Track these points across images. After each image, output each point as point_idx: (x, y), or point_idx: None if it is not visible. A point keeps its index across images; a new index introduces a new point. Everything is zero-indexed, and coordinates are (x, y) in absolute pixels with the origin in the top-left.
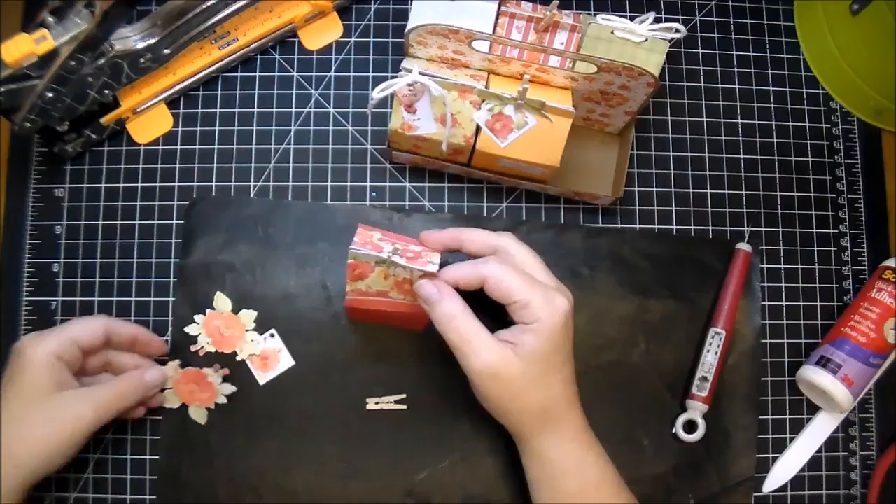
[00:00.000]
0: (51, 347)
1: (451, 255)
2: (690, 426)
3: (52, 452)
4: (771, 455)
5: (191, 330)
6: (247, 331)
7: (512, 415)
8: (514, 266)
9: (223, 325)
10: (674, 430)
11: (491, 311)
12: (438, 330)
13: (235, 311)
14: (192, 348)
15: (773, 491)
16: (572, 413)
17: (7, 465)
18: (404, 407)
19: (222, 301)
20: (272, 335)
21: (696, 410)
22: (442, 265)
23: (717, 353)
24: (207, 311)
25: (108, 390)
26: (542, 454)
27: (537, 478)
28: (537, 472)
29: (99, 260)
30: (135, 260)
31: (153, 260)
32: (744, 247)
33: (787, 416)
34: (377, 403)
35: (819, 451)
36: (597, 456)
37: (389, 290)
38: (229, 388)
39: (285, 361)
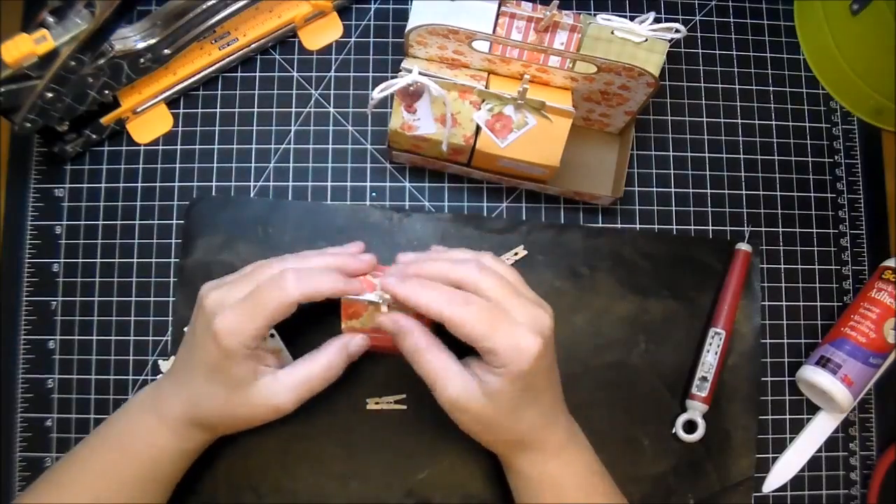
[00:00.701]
0: (246, 343)
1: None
2: (690, 426)
3: (249, 426)
4: (771, 455)
5: None
6: None
7: (485, 441)
8: (480, 303)
9: (236, 303)
10: (674, 430)
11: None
12: (409, 362)
13: None
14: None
15: (773, 491)
16: (549, 433)
17: (204, 424)
18: (404, 407)
19: None
20: (272, 335)
21: (695, 410)
22: None
23: (716, 353)
24: None
25: (306, 374)
26: (519, 472)
27: (516, 488)
28: (516, 484)
29: (99, 260)
30: (135, 260)
31: (153, 260)
32: (744, 247)
33: (787, 416)
34: (377, 403)
35: (819, 451)
36: (576, 472)
37: None
38: None
39: (286, 362)
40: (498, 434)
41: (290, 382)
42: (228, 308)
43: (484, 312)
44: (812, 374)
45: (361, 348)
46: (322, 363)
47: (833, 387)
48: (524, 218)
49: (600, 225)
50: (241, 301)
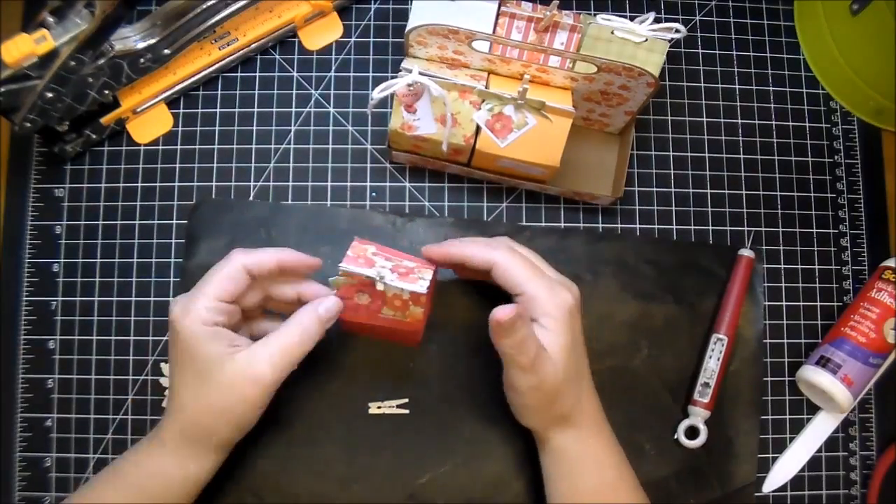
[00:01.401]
0: (201, 317)
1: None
2: (692, 432)
3: (239, 418)
4: (771, 455)
5: None
6: None
7: (544, 417)
8: (522, 256)
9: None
10: (675, 436)
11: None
12: (504, 351)
13: None
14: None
15: (773, 491)
16: (592, 407)
17: (196, 432)
18: (406, 411)
19: None
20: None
21: (697, 416)
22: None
23: (719, 358)
24: None
25: (280, 342)
26: (562, 451)
27: (555, 475)
28: (555, 469)
29: (99, 260)
30: (135, 260)
31: (153, 260)
32: (746, 253)
33: (787, 416)
34: (379, 407)
35: (819, 451)
36: (615, 454)
37: (381, 305)
38: None
39: None
40: (562, 402)
41: (266, 352)
42: (181, 296)
43: (527, 263)
44: (812, 374)
45: (333, 311)
46: (296, 328)
47: (833, 387)
48: (524, 218)
49: (601, 226)
50: (193, 288)
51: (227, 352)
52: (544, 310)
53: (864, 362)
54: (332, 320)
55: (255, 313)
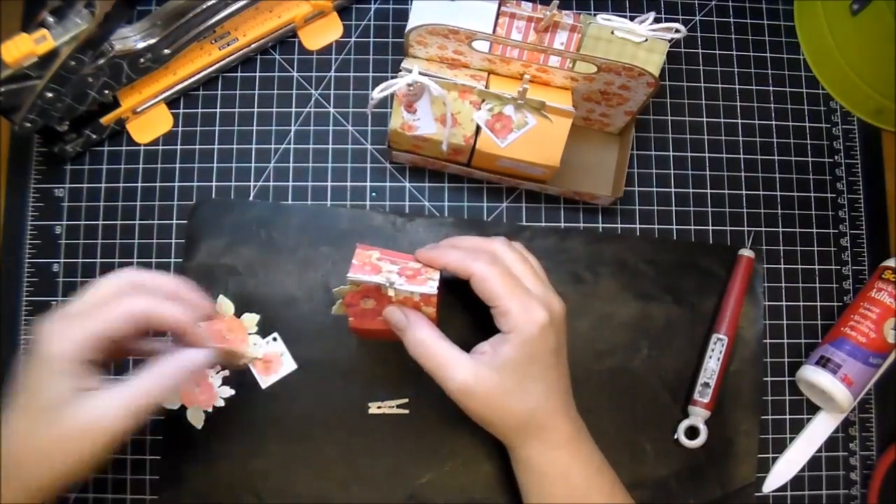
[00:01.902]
0: (69, 350)
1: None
2: (692, 432)
3: (66, 470)
4: (771, 455)
5: None
6: (249, 334)
7: (495, 426)
8: (503, 268)
9: (225, 329)
10: (675, 436)
11: (480, 314)
12: (411, 355)
13: (238, 314)
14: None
15: (773, 491)
16: (557, 421)
17: (12, 469)
18: (406, 411)
19: (225, 304)
20: (275, 339)
21: (698, 416)
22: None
23: (719, 359)
24: None
25: (132, 388)
26: (527, 462)
27: (524, 483)
28: (524, 478)
29: (99, 260)
30: (135, 260)
31: (153, 260)
32: (746, 252)
33: (787, 416)
34: (379, 408)
35: (819, 451)
36: (585, 463)
37: None
38: (228, 392)
39: (288, 365)
40: (505, 412)
41: (115, 401)
42: (59, 315)
43: (506, 276)
44: (812, 374)
45: (196, 362)
46: (153, 377)
47: (833, 387)
48: (524, 218)
49: (601, 225)
50: (78, 310)
51: (75, 395)
52: (512, 325)
53: (864, 362)
54: (196, 373)
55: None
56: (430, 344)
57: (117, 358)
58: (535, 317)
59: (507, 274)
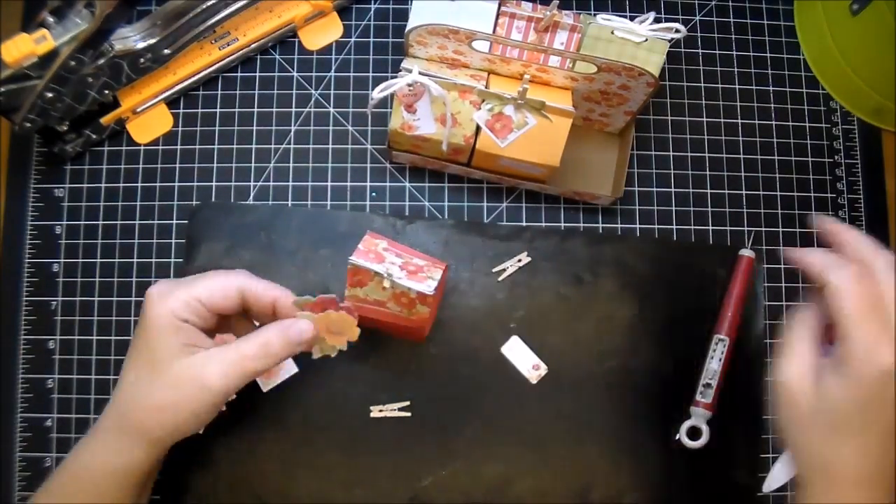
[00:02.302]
0: (174, 308)
1: None
2: (694, 433)
3: (175, 419)
4: (771, 455)
5: None
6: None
7: (791, 445)
8: (869, 288)
9: (178, 280)
10: (677, 437)
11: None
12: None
13: None
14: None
15: (773, 491)
16: (863, 490)
17: (130, 424)
18: (408, 414)
19: None
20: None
21: (699, 417)
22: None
23: (720, 359)
24: None
25: (238, 353)
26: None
27: None
28: None
29: (99, 260)
30: (135, 260)
31: (153, 260)
32: (747, 253)
33: None
34: (381, 411)
35: None
36: None
37: (387, 300)
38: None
39: (289, 368)
40: (805, 440)
41: (220, 359)
42: (163, 281)
43: (866, 299)
44: None
45: (304, 334)
46: (258, 342)
47: None
48: (524, 218)
49: (601, 225)
50: (182, 279)
51: (183, 349)
52: (848, 356)
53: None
54: (302, 345)
55: (235, 321)
56: (799, 323)
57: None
58: (881, 358)
59: (871, 296)
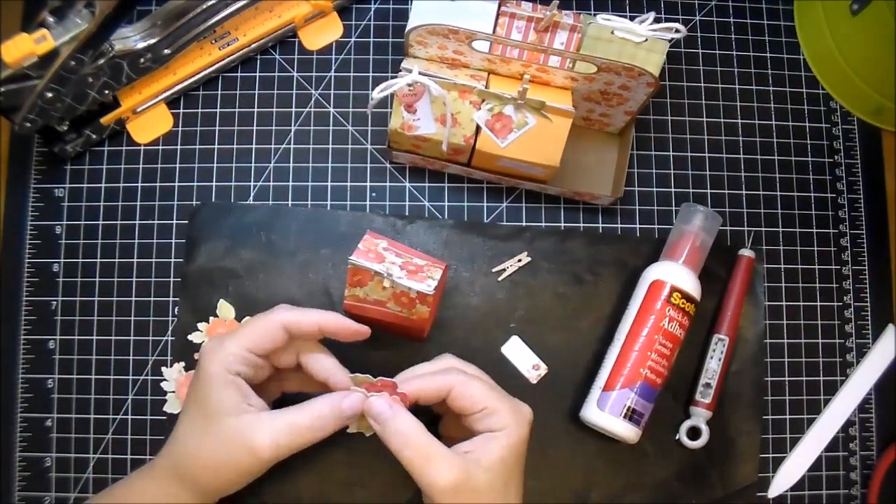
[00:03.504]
0: (225, 361)
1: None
2: (694, 432)
3: (224, 477)
4: (771, 455)
5: (194, 338)
6: None
7: None
8: (474, 375)
9: (226, 333)
10: (677, 437)
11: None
12: (391, 449)
13: (239, 318)
14: (196, 356)
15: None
16: None
17: (184, 472)
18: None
19: (226, 309)
20: None
21: (699, 417)
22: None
23: (720, 359)
24: (211, 318)
25: (290, 421)
26: None
27: None
28: None
29: (99, 260)
30: (135, 260)
31: (153, 260)
32: (747, 252)
33: (788, 417)
34: None
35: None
36: None
37: (387, 300)
38: None
39: None
40: None
41: (271, 428)
42: (217, 336)
43: (482, 381)
44: (615, 426)
45: (355, 408)
46: (311, 413)
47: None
48: (524, 218)
49: (601, 225)
50: (232, 331)
51: (235, 407)
52: (503, 423)
53: (652, 401)
54: (352, 419)
55: (289, 373)
56: (415, 436)
57: (275, 393)
58: (525, 414)
59: (481, 378)
